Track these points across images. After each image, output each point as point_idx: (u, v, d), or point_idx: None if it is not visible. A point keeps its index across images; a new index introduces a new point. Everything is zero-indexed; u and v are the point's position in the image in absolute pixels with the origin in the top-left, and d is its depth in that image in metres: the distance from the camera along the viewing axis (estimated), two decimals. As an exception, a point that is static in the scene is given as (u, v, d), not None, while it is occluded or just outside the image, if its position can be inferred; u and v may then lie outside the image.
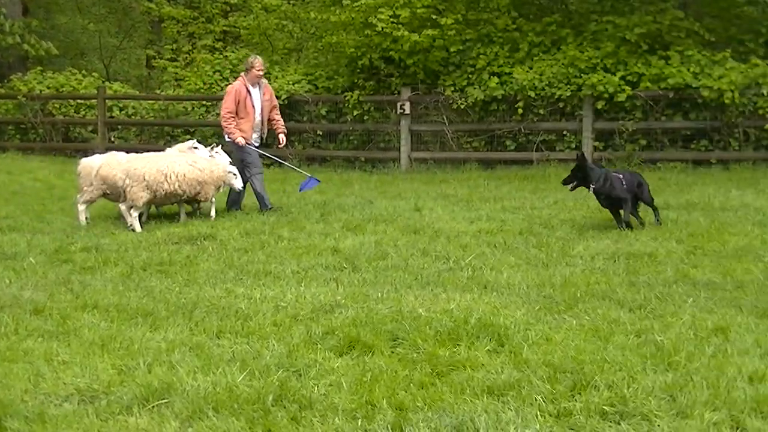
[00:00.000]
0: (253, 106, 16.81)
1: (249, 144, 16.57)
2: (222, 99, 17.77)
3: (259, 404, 6.57)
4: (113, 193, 15.30)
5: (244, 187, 16.19)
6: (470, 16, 25.97)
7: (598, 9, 25.56)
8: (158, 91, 30.99)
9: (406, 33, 24.36)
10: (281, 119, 17.57)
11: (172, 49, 36.67)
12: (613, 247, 12.35)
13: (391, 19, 24.65)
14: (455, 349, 7.85)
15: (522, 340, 8.04)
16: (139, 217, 14.96)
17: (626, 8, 25.00)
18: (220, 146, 16.42)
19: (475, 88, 24.08)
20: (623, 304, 9.33)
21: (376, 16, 24.72)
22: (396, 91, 25.35)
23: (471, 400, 6.65)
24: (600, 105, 23.05)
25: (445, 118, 24.55)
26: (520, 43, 24.66)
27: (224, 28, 37.14)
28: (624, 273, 10.88)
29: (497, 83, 23.80)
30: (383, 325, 8.47)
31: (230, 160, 16.05)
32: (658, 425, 6.20)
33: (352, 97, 25.54)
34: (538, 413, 6.43)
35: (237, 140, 16.43)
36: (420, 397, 6.73)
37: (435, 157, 24.60)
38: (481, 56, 24.73)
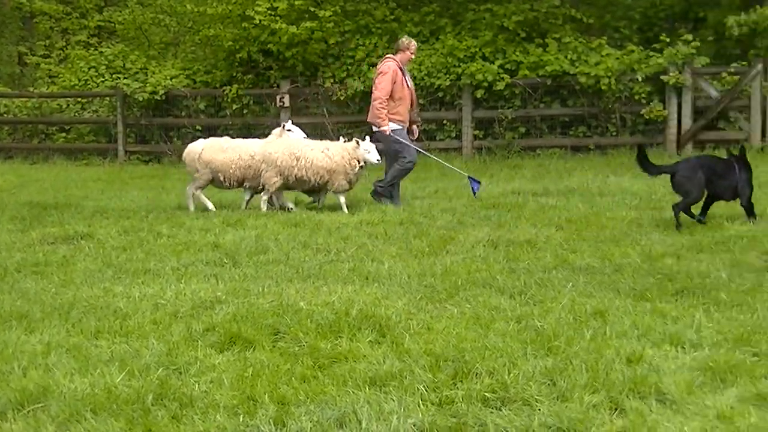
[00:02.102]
0: (409, 89, 16.03)
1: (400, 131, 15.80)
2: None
3: (139, 404, 6.47)
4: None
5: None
6: (348, 8, 26.04)
7: (475, -3, 25.73)
8: (31, 89, 30.52)
9: (284, 25, 24.36)
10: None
11: (45, 46, 36.12)
12: (493, 234, 12.43)
13: (269, 12, 24.65)
14: (337, 341, 7.83)
15: (403, 330, 8.04)
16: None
17: (503, -4, 25.22)
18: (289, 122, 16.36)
19: (354, 80, 24.18)
20: (504, 291, 9.38)
21: (253, 9, 24.66)
22: (275, 84, 25.32)
23: (353, 392, 6.63)
24: (479, 94, 23.31)
25: (325, 110, 24.64)
26: (398, 33, 24.70)
27: (99, 23, 36.71)
28: (504, 260, 10.95)
29: (376, 74, 23.86)
30: (264, 319, 8.41)
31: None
32: (539, 409, 6.24)
33: (230, 91, 25.48)
34: (420, 402, 6.44)
35: (385, 129, 15.56)
36: (302, 390, 6.69)
37: (317, 149, 24.47)
38: (360, 47, 24.85)
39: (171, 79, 26.53)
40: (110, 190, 19.96)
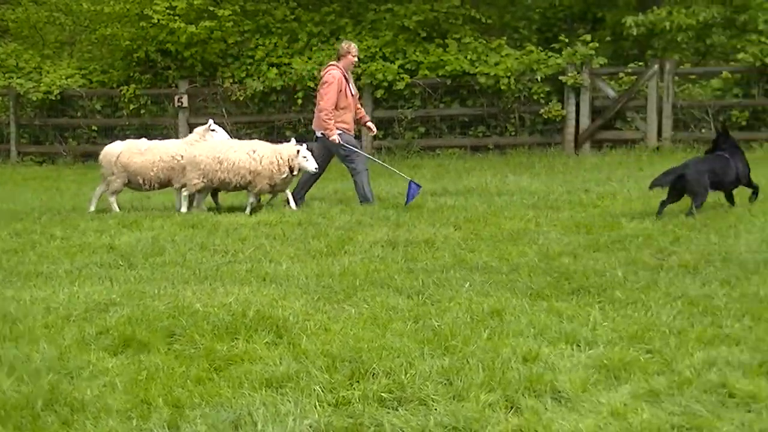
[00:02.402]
0: (353, 95, 15.90)
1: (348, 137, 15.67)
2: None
3: (28, 410, 6.36)
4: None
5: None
6: (248, 7, 25.97)
7: (375, -3, 25.80)
8: None
9: (183, 25, 24.23)
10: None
11: (-69, 45, 35.43)
12: (392, 234, 12.44)
13: (168, 11, 24.48)
14: (233, 343, 7.79)
15: (300, 331, 8.02)
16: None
17: (404, -5, 25.31)
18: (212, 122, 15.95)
19: (254, 80, 24.12)
20: (401, 291, 9.38)
21: (151, 8, 24.45)
22: (173, 84, 25.12)
23: (249, 394, 6.61)
24: (379, 94, 23.34)
25: (224, 110, 24.51)
26: (298, 33, 24.77)
27: (-10, 21, 36.06)
28: (402, 260, 10.97)
29: (276, 74, 23.92)
30: (159, 321, 8.33)
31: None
32: (435, 409, 6.26)
33: (128, 90, 25.22)
34: (317, 403, 6.43)
35: (334, 138, 15.26)
36: (197, 392, 6.66)
37: (214, 149, 24.39)
38: (259, 47, 24.78)
39: (66, 78, 26.19)
40: (1, 192, 19.67)
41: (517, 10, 28.91)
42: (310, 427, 6.07)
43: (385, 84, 23.13)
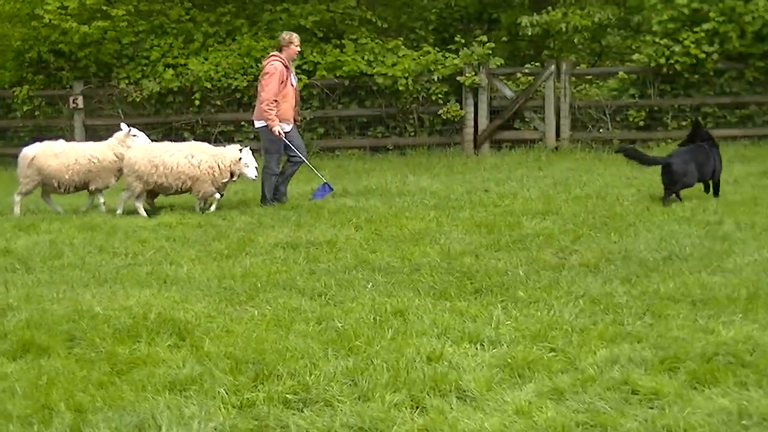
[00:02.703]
0: (293, 86, 15.75)
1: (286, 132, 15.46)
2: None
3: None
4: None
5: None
6: (142, 7, 25.69)
7: (271, -3, 25.74)
8: None
9: (76, 24, 23.86)
10: None
11: None
12: (293, 235, 12.44)
13: (59, 11, 24.09)
14: (135, 346, 7.73)
15: (203, 334, 7.99)
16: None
17: (300, -4, 25.29)
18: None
19: (150, 81, 23.86)
20: (304, 293, 9.38)
21: (42, 8, 24.08)
22: (68, 86, 24.78)
23: (153, 397, 6.56)
24: (277, 94, 23.24)
25: (120, 111, 24.22)
26: (194, 33, 24.56)
27: None
28: (304, 261, 10.95)
29: (172, 75, 23.69)
30: (59, 325, 8.24)
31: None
32: (341, 410, 6.27)
33: (20, 92, 24.79)
34: (221, 405, 6.41)
35: (276, 131, 15.15)
36: (99, 396, 6.59)
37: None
38: (155, 48, 24.53)
39: (-44, 79, 25.74)
40: None
41: (413, 11, 29.03)
42: (215, 429, 6.05)
43: (283, 85, 23.10)
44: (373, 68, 23.02)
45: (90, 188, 15.16)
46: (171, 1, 25.62)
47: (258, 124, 15.59)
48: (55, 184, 14.96)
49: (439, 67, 22.84)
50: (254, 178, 14.81)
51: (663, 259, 10.22)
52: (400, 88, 22.70)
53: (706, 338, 7.48)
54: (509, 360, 7.10)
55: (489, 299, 8.90)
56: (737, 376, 6.71)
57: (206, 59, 23.80)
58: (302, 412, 6.31)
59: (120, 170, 15.05)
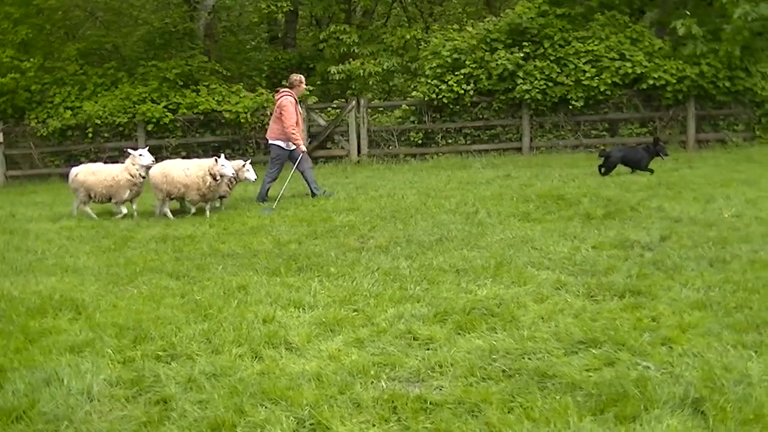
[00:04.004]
0: (301, 115, 15.74)
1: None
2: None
3: None
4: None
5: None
6: (47, 64, 24.90)
7: (144, 56, 25.35)
8: None
9: (-4, 77, 23.05)
10: None
11: None
12: (164, 232, 12.21)
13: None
14: (43, 320, 7.52)
15: (95, 309, 7.80)
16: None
17: (166, 55, 24.95)
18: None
19: (53, 120, 23.12)
20: (172, 275, 9.22)
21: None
22: (-8, 125, 23.87)
23: (57, 358, 6.40)
24: (150, 127, 22.86)
25: (32, 144, 23.47)
26: (87, 83, 23.87)
27: None
28: (171, 251, 10.76)
29: (71, 115, 23.05)
30: (-16, 306, 7.98)
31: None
32: (199, 361, 6.22)
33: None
34: (109, 362, 6.29)
35: (302, 148, 15.27)
36: (16, 360, 6.41)
37: (26, 174, 23.57)
38: (57, 94, 23.75)
39: None
40: None
41: (250, 63, 29.02)
42: (104, 380, 5.92)
43: (154, 120, 22.61)
44: (222, 106, 22.77)
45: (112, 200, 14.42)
46: (69, 60, 24.79)
47: (271, 141, 15.48)
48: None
49: (270, 104, 22.68)
50: (254, 179, 14.48)
51: (436, 241, 10.36)
52: (242, 120, 22.53)
53: (466, 297, 7.64)
54: (324, 319, 7.13)
55: (309, 275, 8.91)
56: (488, 323, 6.88)
57: (97, 102, 23.17)
58: (170, 364, 6.23)
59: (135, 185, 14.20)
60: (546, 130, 22.49)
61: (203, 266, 9.62)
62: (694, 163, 18.04)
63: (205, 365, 6.13)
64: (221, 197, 14.44)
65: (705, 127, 22.18)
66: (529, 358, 6.05)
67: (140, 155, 14.19)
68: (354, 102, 22.52)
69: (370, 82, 25.61)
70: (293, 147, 15.22)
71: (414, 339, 6.60)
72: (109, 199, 14.32)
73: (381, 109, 24.75)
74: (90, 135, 23.09)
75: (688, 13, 22.24)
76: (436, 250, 9.80)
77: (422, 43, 25.53)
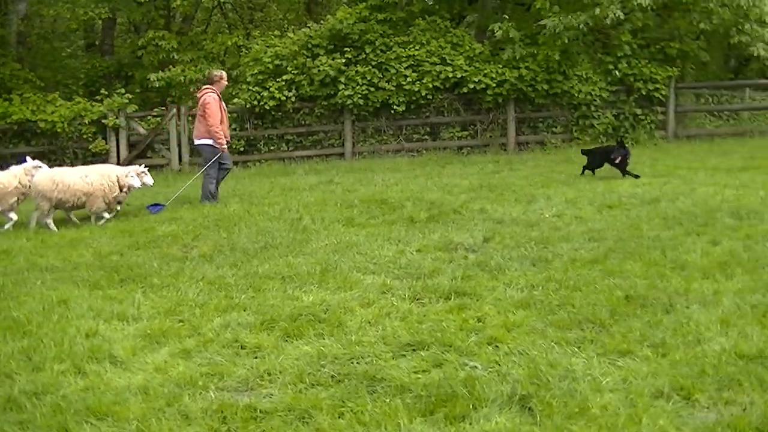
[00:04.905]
0: (225, 111, 15.02)
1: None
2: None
3: None
4: None
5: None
6: None
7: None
8: None
9: None
10: None
11: None
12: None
13: None
14: None
15: None
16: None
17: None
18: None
19: None
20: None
21: None
22: None
23: None
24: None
25: None
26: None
27: None
28: (-14, 267, 10.28)
29: None
30: None
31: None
32: (19, 380, 5.96)
33: None
34: None
35: (224, 147, 14.71)
36: None
37: None
38: None
39: None
40: None
41: (67, 71, 28.12)
42: None
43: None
44: (37, 115, 21.95)
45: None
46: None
47: (198, 141, 14.96)
48: None
49: (88, 113, 22.07)
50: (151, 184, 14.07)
51: (260, 248, 10.31)
52: (59, 130, 21.77)
53: (293, 304, 7.65)
54: (148, 331, 7.00)
55: (132, 286, 8.69)
56: (316, 329, 6.90)
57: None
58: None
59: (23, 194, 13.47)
60: (368, 135, 22.76)
61: (20, 281, 9.19)
62: (514, 165, 18.65)
63: (26, 383, 5.89)
64: (119, 202, 14.01)
65: (525, 130, 23.00)
66: (358, 363, 6.10)
67: (39, 166, 13.65)
68: (174, 110, 22.17)
69: (191, 90, 25.26)
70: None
71: (241, 348, 6.55)
72: None
73: (194, 115, 24.47)
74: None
75: (507, 17, 23.02)
76: (261, 258, 9.75)
77: (243, 49, 25.39)
